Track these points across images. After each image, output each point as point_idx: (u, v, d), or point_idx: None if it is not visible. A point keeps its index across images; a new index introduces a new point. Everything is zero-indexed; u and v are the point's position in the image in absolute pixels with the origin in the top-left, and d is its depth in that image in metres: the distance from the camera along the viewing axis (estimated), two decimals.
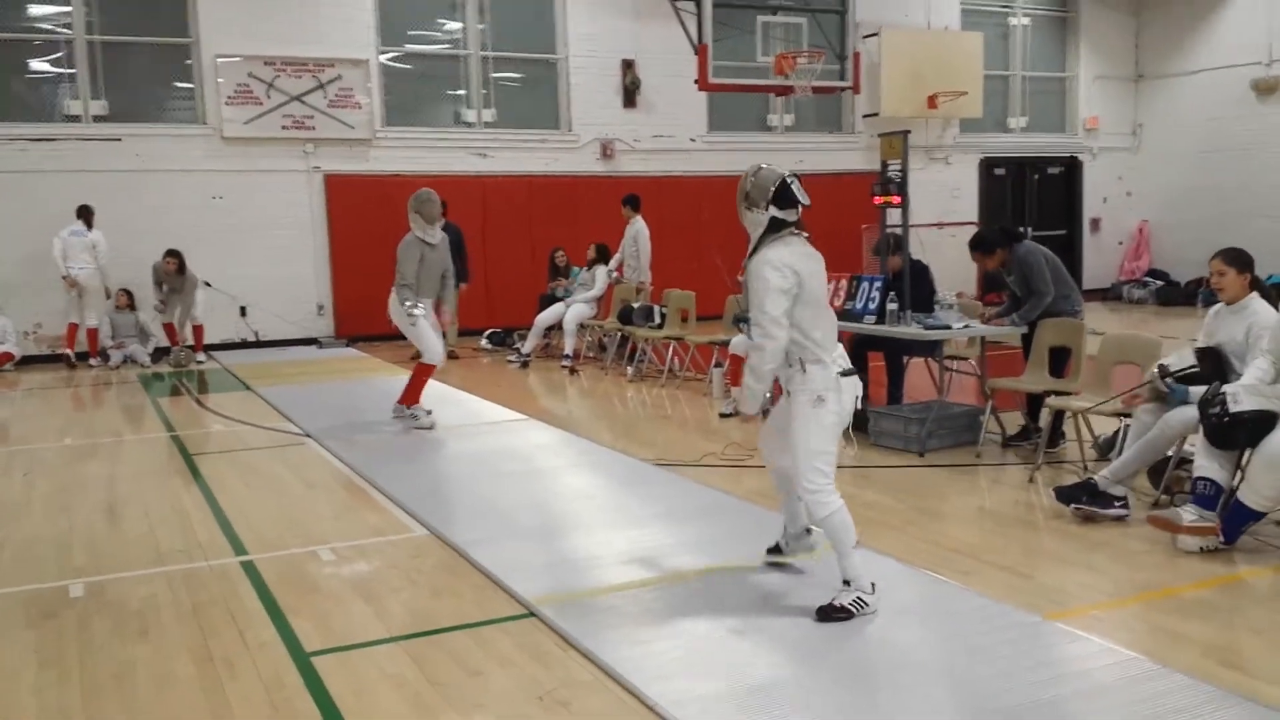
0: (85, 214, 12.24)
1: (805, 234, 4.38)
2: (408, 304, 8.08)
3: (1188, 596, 4.50)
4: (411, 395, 8.36)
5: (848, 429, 5.73)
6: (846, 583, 4.27)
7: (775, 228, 4.25)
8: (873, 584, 4.29)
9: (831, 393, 4.23)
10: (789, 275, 4.17)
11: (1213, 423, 4.92)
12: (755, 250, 4.31)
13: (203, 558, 5.27)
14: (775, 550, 4.87)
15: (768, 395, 4.69)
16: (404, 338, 8.70)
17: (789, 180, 4.24)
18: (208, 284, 12.89)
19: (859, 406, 4.45)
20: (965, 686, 3.67)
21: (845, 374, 4.29)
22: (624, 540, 5.34)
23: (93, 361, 12.37)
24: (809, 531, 4.80)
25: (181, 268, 12.42)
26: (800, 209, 4.27)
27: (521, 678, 3.80)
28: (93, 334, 12.41)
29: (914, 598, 4.55)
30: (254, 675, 3.87)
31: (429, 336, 8.24)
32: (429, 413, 8.31)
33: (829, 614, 4.21)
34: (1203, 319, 5.80)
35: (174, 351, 12.46)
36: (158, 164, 13.12)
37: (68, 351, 12.32)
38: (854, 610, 4.21)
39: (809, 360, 4.25)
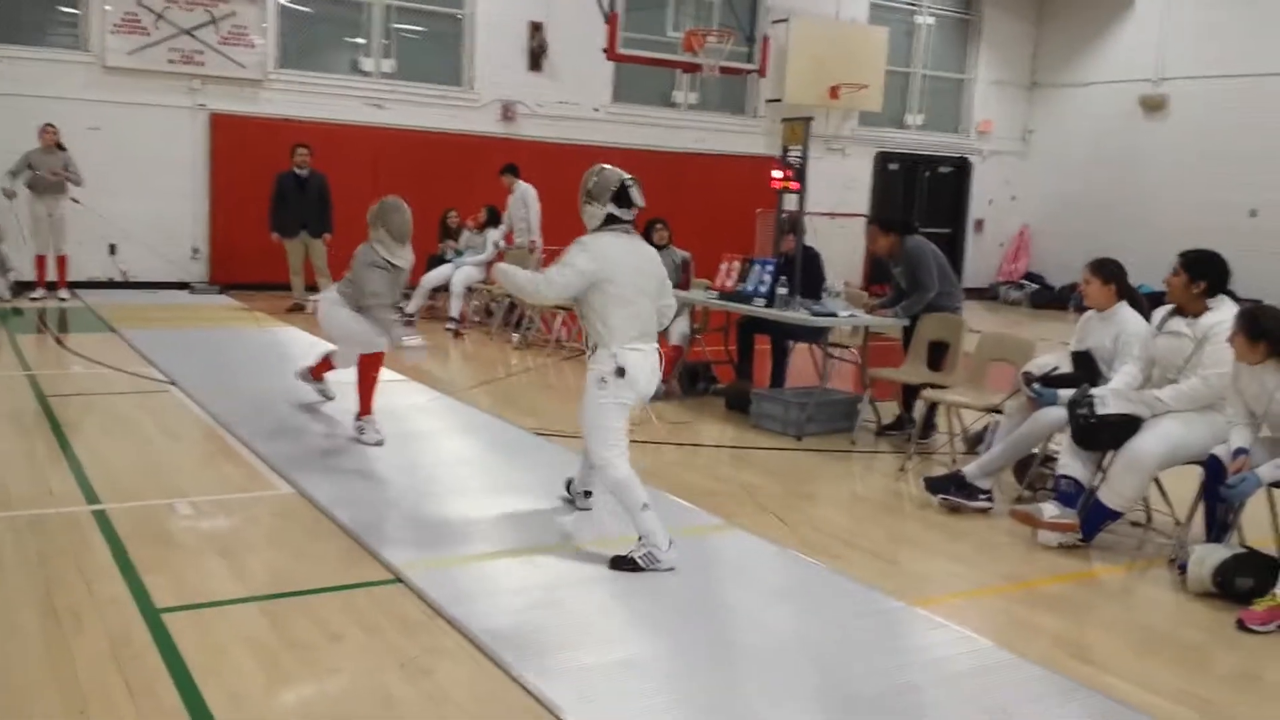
0: None
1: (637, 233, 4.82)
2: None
3: (1045, 590, 4.64)
4: (367, 403, 6.54)
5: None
6: (641, 539, 4.50)
7: (610, 222, 4.66)
8: (670, 540, 4.49)
9: (612, 378, 4.55)
10: (595, 263, 4.55)
11: (1080, 424, 5.07)
12: None
13: (52, 505, 5.00)
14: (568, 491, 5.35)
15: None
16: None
17: (628, 184, 4.67)
18: (76, 201, 11.95)
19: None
20: (828, 670, 3.71)
21: (619, 372, 4.53)
22: (497, 508, 5.26)
23: None
24: (588, 495, 5.23)
25: (61, 144, 11.62)
26: (634, 210, 4.69)
27: (383, 644, 3.70)
28: None
29: (784, 579, 4.60)
30: (100, 630, 3.68)
31: (364, 330, 6.47)
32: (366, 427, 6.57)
33: (619, 564, 4.48)
34: (1074, 323, 5.98)
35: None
36: (33, 89, 12.33)
37: None
38: (642, 564, 4.45)
39: (600, 344, 4.60)
